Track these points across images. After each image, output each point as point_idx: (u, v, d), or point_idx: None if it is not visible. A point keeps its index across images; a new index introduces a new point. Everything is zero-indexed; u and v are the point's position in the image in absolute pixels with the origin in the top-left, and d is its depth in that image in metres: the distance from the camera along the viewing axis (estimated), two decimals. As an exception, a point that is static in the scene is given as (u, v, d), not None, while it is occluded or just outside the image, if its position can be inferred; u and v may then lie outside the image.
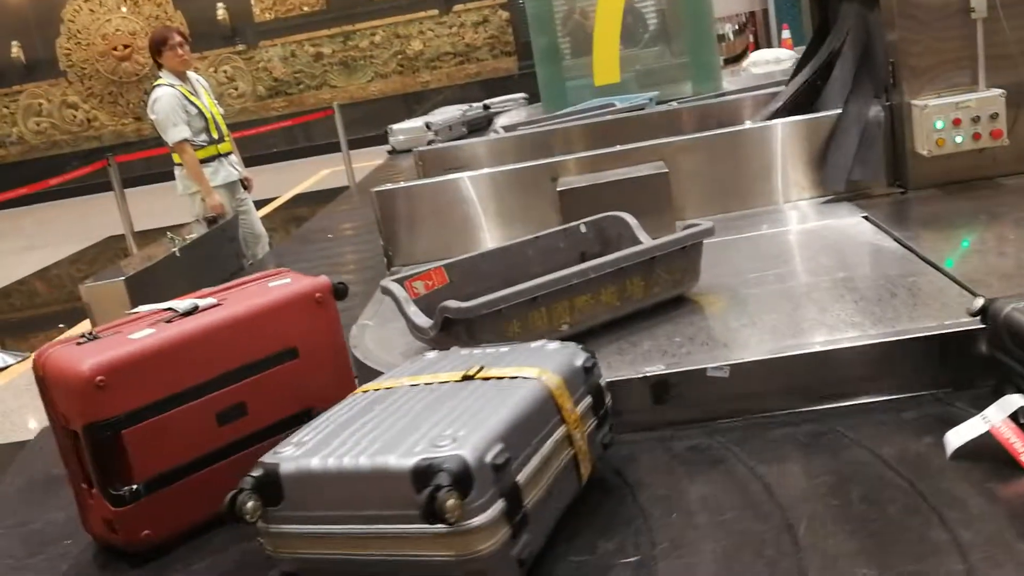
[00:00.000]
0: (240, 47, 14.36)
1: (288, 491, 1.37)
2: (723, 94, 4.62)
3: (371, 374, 2.20)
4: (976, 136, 2.72)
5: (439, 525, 1.26)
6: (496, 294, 1.96)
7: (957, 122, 2.71)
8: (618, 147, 3.11)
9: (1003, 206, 2.65)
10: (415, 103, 13.10)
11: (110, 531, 1.68)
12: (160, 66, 5.27)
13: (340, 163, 9.57)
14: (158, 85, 5.22)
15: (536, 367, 1.53)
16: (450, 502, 1.24)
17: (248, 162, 5.93)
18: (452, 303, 1.95)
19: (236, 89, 14.46)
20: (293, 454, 1.39)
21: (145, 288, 3.40)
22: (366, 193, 4.97)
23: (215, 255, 4.10)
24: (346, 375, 1.98)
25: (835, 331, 1.93)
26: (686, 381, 1.83)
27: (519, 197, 3.11)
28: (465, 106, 7.15)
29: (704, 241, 2.23)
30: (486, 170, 3.27)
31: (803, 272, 2.43)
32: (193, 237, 3.94)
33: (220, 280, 3.85)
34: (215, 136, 5.32)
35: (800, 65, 3.72)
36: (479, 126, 6.67)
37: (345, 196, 6.21)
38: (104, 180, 7.77)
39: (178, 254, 3.69)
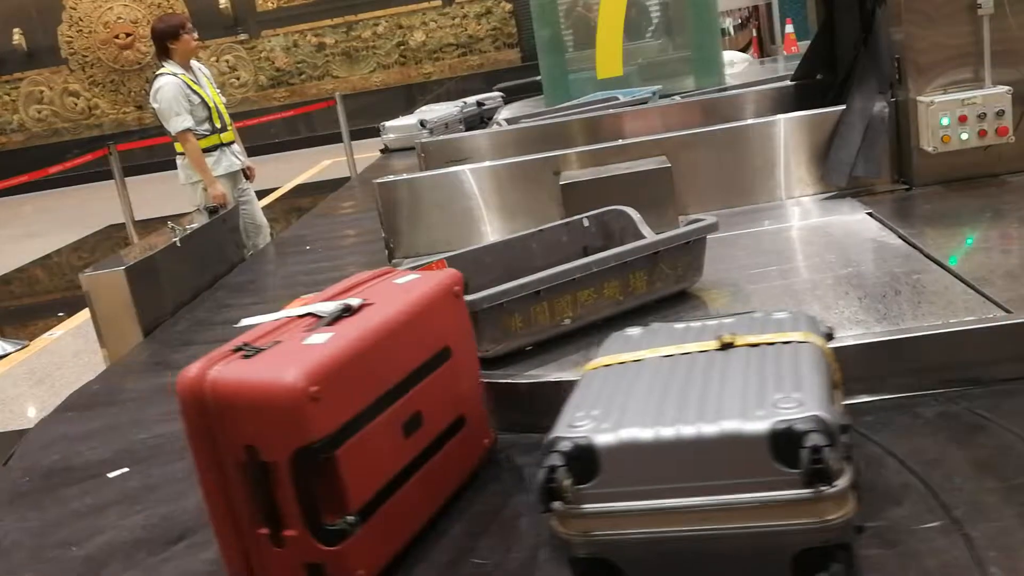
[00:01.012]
0: (242, 36, 14.32)
1: (605, 466, 1.25)
2: (726, 88, 4.61)
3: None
4: (982, 133, 2.71)
5: (804, 490, 1.17)
6: (498, 288, 1.95)
7: (963, 119, 2.70)
8: (621, 141, 3.10)
9: (1008, 204, 2.64)
10: (418, 94, 13.07)
11: None
12: (165, 54, 5.24)
13: (342, 154, 9.55)
14: (161, 74, 5.20)
15: (798, 331, 1.45)
16: (833, 463, 1.15)
17: (250, 152, 5.91)
18: (454, 296, 1.94)
19: (238, 79, 14.42)
20: (602, 427, 1.27)
21: (145, 277, 3.39)
22: (366, 185, 4.95)
23: (216, 245, 4.08)
24: (478, 375, 1.80)
25: (840, 329, 1.92)
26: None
27: (521, 190, 3.10)
28: (461, 103, 6.74)
29: (707, 236, 2.22)
30: (488, 163, 3.26)
31: (806, 268, 2.42)
32: (194, 227, 3.92)
33: (221, 271, 3.87)
34: (218, 125, 5.31)
35: (806, 59, 3.70)
36: (473, 124, 6.34)
37: (346, 188, 6.19)
38: (105, 168, 7.76)
39: (179, 244, 3.67)
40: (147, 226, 7.27)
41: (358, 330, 1.48)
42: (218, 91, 5.50)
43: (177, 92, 5.11)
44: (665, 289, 2.17)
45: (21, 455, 2.39)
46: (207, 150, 5.23)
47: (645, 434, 1.24)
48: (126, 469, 2.14)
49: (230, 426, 1.36)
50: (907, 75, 2.81)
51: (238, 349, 1.44)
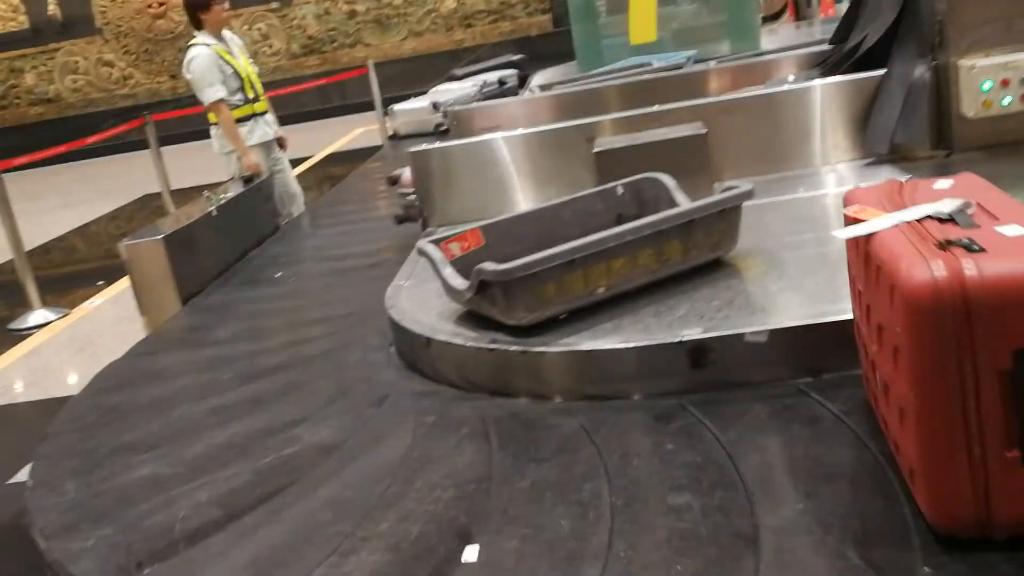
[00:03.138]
0: (274, 5, 14.31)
1: None
2: (761, 53, 4.54)
3: (407, 336, 2.22)
4: (1024, 97, 2.65)
5: None
6: (533, 256, 1.95)
7: (1005, 83, 2.64)
8: (656, 107, 3.07)
9: (1050, 169, 2.59)
10: (449, 61, 13.01)
11: None
12: (198, 24, 5.26)
13: (374, 122, 9.55)
14: (194, 44, 5.23)
15: None
16: None
17: (282, 121, 5.93)
18: (488, 265, 1.95)
19: (270, 47, 14.44)
20: None
21: (183, 246, 3.43)
22: (399, 153, 4.94)
23: (251, 214, 4.12)
24: None
25: (876, 296, 1.90)
26: (724, 346, 1.82)
27: (554, 158, 3.09)
28: (481, 81, 6.07)
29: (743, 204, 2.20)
30: (521, 131, 3.24)
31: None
32: (230, 196, 3.96)
33: (256, 239, 3.90)
34: (251, 96, 5.33)
35: (843, 24, 3.63)
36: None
37: (379, 155, 6.19)
38: (140, 138, 7.82)
39: (215, 213, 3.70)
40: (183, 195, 7.33)
41: None
42: (251, 61, 5.52)
43: (210, 63, 5.13)
44: (700, 257, 2.16)
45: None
46: (240, 120, 5.27)
47: None
48: None
49: (1007, 328, 1.21)
50: (948, 38, 2.75)
51: (945, 246, 1.26)
